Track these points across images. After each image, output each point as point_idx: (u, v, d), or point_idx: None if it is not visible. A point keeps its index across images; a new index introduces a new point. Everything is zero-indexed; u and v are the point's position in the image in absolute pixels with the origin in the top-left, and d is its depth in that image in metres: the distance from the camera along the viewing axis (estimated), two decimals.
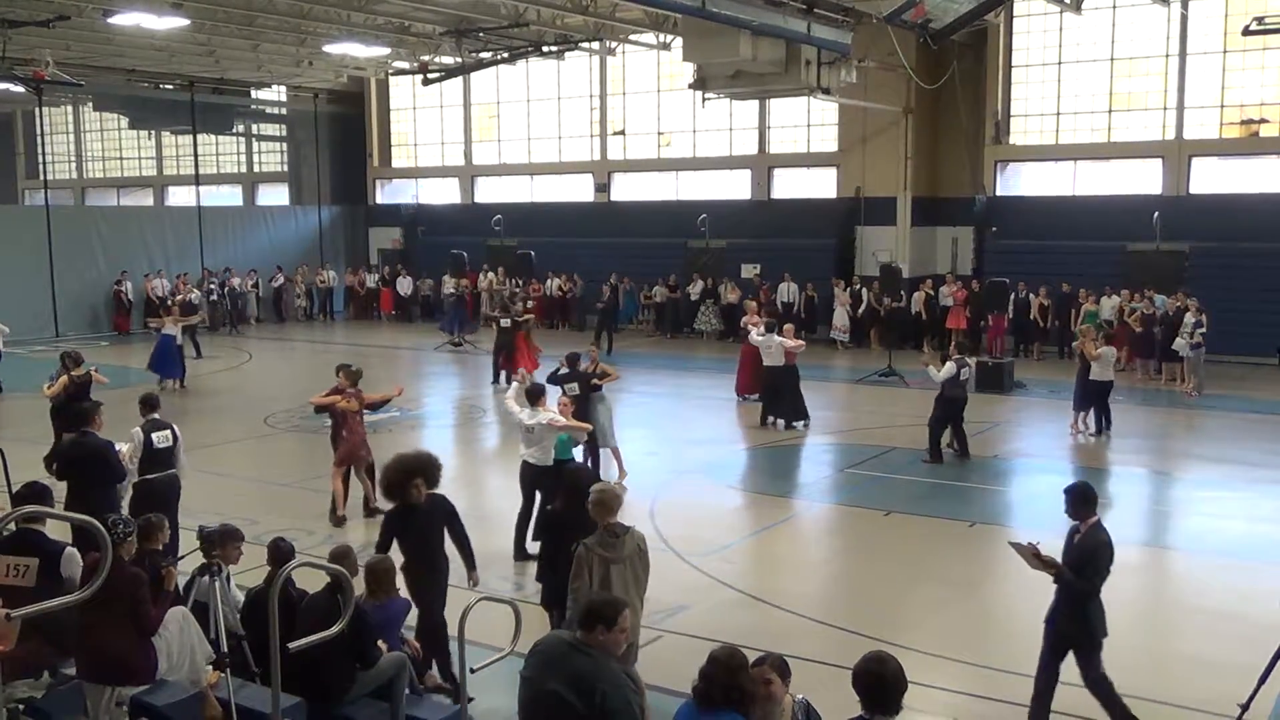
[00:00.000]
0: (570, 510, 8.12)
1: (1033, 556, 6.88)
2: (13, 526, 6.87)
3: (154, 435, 10.09)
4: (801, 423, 17.35)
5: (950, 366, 14.92)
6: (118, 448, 9.86)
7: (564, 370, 13.89)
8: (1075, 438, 16.71)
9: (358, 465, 12.33)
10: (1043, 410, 19.22)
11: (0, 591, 6.39)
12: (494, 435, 18.19)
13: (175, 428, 10.29)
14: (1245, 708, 6.38)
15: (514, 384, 12.06)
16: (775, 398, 17.41)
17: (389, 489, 8.05)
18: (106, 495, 9.63)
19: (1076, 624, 6.97)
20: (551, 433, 10.87)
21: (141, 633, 6.55)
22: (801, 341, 17.71)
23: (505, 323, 21.97)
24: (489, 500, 14.16)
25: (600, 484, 7.69)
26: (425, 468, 8.02)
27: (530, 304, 25.75)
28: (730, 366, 20.69)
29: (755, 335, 17.87)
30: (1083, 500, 7.11)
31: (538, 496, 10.81)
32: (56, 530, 7.87)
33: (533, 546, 10.11)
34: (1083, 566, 6.91)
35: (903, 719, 4.60)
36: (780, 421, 17.39)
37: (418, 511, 7.91)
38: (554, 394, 12.21)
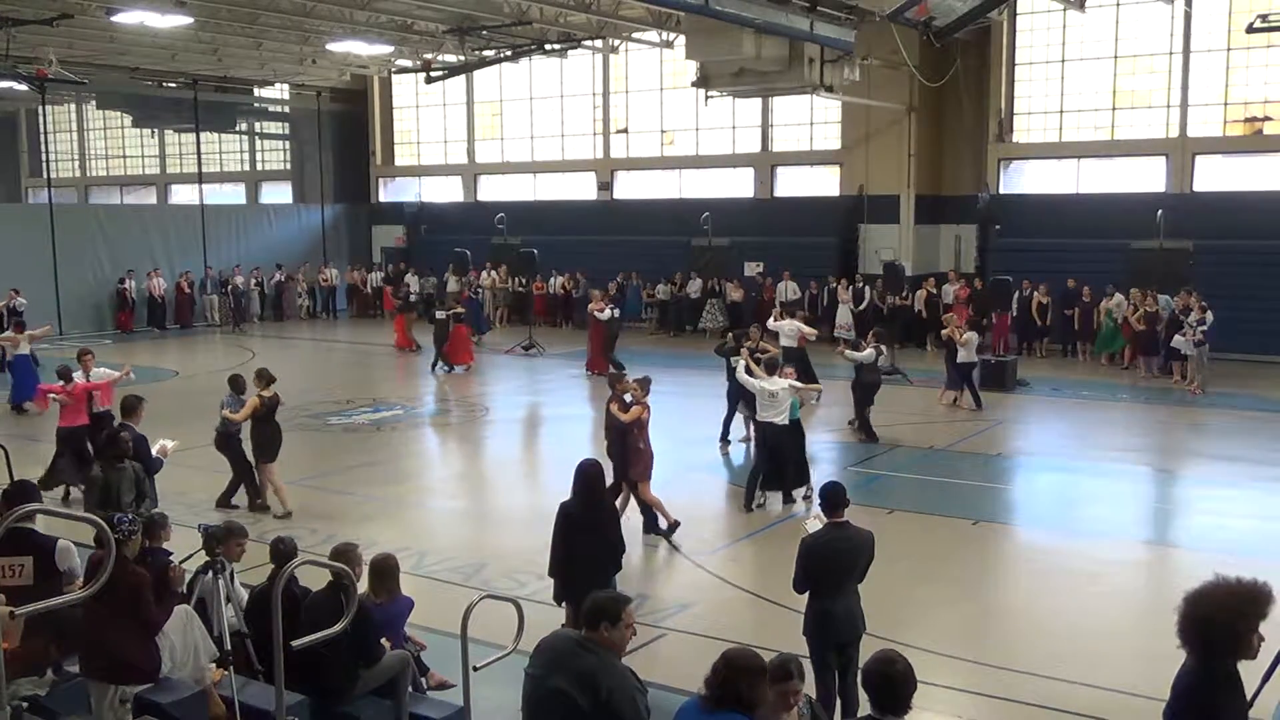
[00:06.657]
0: (582, 503, 8.12)
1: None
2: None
3: None
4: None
5: (870, 351, 15.86)
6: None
7: (730, 345, 15.34)
8: (945, 407, 18.50)
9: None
10: (1045, 408, 19.22)
11: (3, 591, 6.40)
12: (495, 432, 18.20)
13: None
14: (1249, 706, 6.36)
15: (740, 362, 13.24)
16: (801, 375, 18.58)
17: None
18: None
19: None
20: (790, 395, 12.43)
21: (145, 631, 6.55)
22: (814, 330, 18.89)
23: (440, 315, 23.07)
24: (490, 497, 14.19)
25: None
26: None
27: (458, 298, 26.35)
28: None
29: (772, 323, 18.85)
30: (822, 498, 7.25)
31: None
32: (61, 526, 7.87)
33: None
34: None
35: (911, 718, 4.58)
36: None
37: None
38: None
